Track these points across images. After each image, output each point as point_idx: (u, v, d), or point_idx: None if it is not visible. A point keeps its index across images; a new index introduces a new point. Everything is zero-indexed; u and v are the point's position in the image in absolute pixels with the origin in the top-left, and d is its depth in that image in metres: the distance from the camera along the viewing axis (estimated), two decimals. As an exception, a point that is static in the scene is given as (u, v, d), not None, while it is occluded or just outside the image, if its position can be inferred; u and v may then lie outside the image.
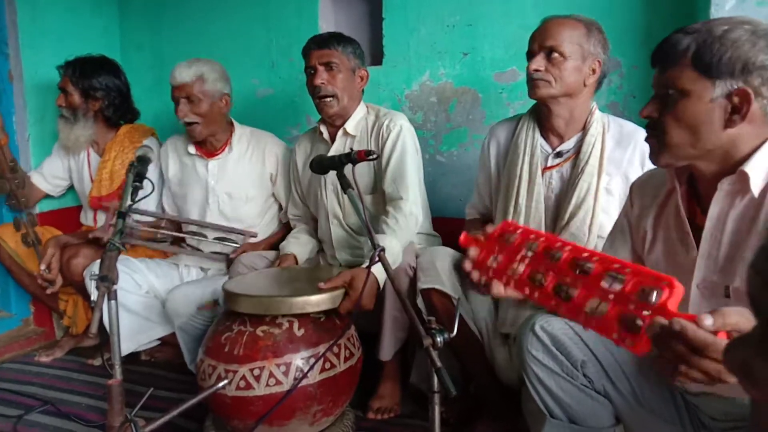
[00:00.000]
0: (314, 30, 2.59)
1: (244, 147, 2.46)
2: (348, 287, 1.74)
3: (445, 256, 1.80)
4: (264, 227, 2.51)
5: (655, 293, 0.89)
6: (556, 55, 1.69)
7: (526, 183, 1.78)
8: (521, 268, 1.10)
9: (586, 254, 1.02)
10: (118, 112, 2.62)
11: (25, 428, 1.99)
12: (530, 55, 1.74)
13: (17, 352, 2.67)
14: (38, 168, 2.71)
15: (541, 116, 1.81)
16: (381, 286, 1.81)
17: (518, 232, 1.14)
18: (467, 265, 1.19)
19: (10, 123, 2.68)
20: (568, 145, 1.78)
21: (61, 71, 2.53)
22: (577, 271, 1.01)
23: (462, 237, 1.24)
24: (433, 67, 2.55)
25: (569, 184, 1.74)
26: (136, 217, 2.43)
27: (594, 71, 1.73)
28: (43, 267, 2.30)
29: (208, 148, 2.45)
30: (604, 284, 0.95)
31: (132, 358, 2.46)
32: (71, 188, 2.80)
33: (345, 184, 1.59)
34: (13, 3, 2.66)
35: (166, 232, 2.46)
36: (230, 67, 2.46)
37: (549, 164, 1.79)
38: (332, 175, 1.67)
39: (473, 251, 1.19)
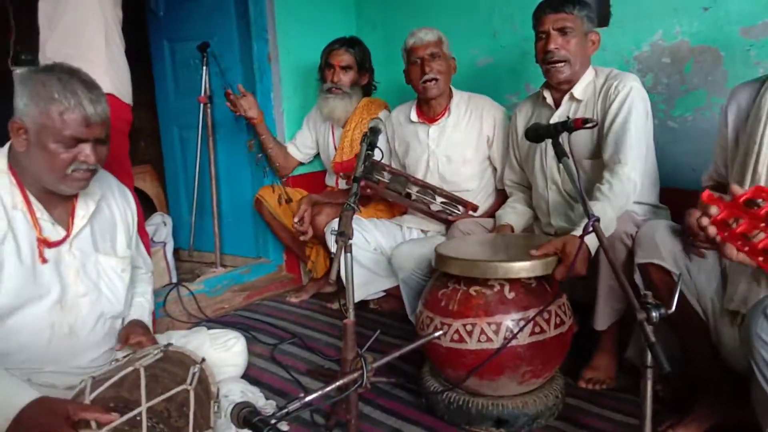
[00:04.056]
0: (538, -5, 2.56)
1: (462, 111, 2.58)
2: (560, 253, 1.75)
3: (665, 229, 1.70)
4: (480, 189, 2.61)
5: None
6: None
7: None
8: (761, 236, 1.07)
9: None
10: (372, 85, 3.00)
11: (279, 355, 2.40)
12: None
13: (273, 292, 3.18)
14: (292, 140, 3.14)
15: None
16: (593, 253, 1.79)
17: None
18: (704, 221, 1.17)
19: (269, 100, 3.12)
20: None
21: (338, 49, 2.84)
22: None
23: (705, 194, 1.22)
24: (667, 26, 2.35)
25: None
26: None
27: None
28: (296, 220, 2.69)
29: (430, 113, 2.61)
30: None
31: (362, 305, 2.78)
32: (317, 156, 3.20)
33: (560, 153, 1.59)
34: (272, -7, 3.07)
35: (400, 187, 2.64)
36: (452, 39, 2.57)
37: None
38: (560, 136, 1.68)
39: (713, 209, 1.17)
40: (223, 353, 1.88)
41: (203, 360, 1.55)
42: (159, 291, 2.73)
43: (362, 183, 2.46)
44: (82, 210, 1.63)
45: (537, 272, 1.74)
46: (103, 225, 1.71)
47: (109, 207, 1.74)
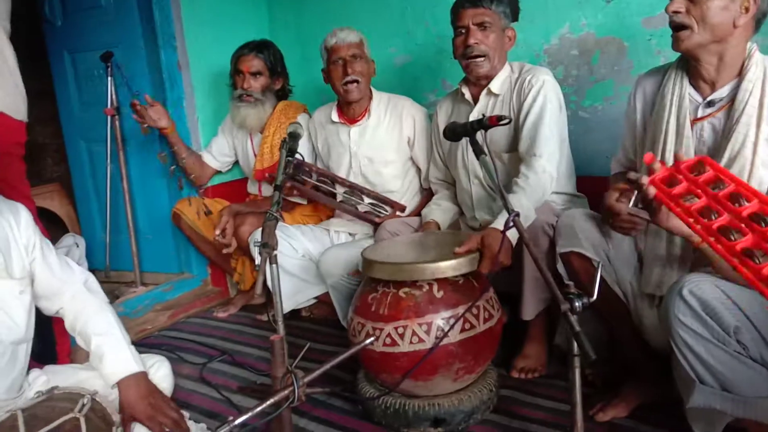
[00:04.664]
0: (448, -8, 2.58)
1: (383, 113, 2.56)
2: (482, 248, 1.76)
3: (584, 217, 1.75)
4: (404, 190, 2.60)
5: None
6: None
7: (673, 136, 1.63)
8: (697, 199, 1.11)
9: None
10: (287, 89, 2.89)
11: (209, 374, 2.30)
12: None
13: (199, 309, 3.06)
14: (207, 148, 3.00)
15: (689, 64, 1.66)
16: (514, 243, 1.81)
17: (711, 170, 1.15)
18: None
19: (181, 109, 2.98)
20: (721, 93, 1.59)
21: (247, 55, 2.72)
22: (758, 224, 1.00)
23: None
24: (573, 18, 2.42)
25: (723, 136, 1.57)
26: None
27: (747, 9, 1.50)
28: (217, 232, 2.58)
29: (351, 114, 2.57)
30: None
31: (294, 314, 2.73)
32: (236, 163, 3.09)
33: (478, 151, 1.60)
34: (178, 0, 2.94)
35: (327, 188, 2.56)
36: (370, 38, 2.55)
37: (699, 115, 1.62)
38: (477, 134, 1.68)
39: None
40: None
41: (96, 392, 1.47)
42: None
43: (288, 185, 2.41)
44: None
45: (463, 269, 1.74)
46: (-8, 247, 1.57)
47: None
